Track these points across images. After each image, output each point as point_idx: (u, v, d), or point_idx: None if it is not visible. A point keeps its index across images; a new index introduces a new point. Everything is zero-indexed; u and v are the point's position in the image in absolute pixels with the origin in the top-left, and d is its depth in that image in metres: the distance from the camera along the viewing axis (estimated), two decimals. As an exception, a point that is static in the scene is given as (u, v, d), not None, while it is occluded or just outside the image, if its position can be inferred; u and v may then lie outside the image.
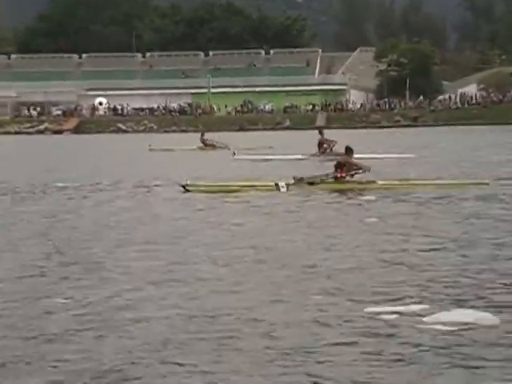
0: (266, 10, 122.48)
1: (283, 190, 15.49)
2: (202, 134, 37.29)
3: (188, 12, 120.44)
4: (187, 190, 15.58)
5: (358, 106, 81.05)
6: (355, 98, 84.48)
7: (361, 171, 15.85)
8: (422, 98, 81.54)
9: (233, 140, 39.71)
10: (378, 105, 77.71)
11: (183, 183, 15.84)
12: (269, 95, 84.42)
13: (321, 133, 27.01)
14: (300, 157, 25.75)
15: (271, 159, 26.30)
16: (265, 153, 29.16)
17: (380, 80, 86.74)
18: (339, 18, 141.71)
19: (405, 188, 15.44)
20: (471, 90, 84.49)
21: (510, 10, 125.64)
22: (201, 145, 35.70)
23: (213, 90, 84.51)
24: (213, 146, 35.44)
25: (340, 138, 27.58)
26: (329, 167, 17.95)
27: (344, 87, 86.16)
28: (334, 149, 25.56)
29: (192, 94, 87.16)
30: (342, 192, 15.29)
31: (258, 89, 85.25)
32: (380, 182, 15.75)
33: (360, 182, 15.76)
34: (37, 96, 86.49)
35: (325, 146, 26.34)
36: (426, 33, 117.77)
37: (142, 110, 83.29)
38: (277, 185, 15.62)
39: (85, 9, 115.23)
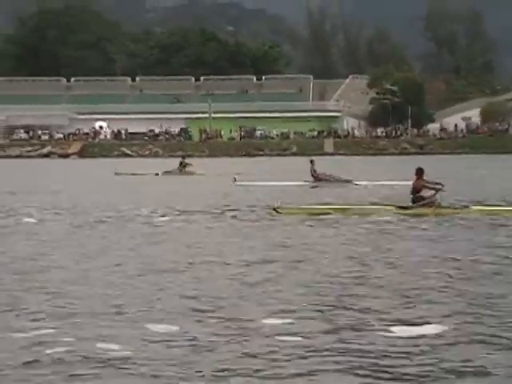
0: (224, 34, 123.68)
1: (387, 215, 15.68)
2: (183, 158, 37.71)
3: (162, 37, 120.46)
4: (278, 213, 15.80)
5: (352, 132, 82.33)
6: (348, 125, 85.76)
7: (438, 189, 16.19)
8: (409, 125, 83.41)
9: (237, 166, 40.89)
10: (386, 132, 78.81)
11: (275, 206, 16.06)
12: (264, 121, 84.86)
13: (312, 163, 27.77)
14: (299, 183, 26.56)
15: (271, 185, 26.75)
16: (265, 179, 29.82)
17: (373, 107, 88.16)
18: (306, 45, 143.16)
19: (500, 213, 15.75)
20: (456, 121, 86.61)
21: (472, 42, 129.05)
22: (170, 170, 35.71)
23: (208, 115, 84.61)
24: (190, 171, 35.56)
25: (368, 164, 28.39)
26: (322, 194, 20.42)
27: (339, 114, 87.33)
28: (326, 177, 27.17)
29: (186, 118, 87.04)
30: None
31: (253, 114, 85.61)
32: (474, 208, 16.14)
33: (455, 208, 16.16)
34: (26, 119, 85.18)
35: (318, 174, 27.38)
36: (390, 62, 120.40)
37: (144, 134, 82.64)
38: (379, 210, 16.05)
39: (55, 32, 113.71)
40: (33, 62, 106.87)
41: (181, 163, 36.39)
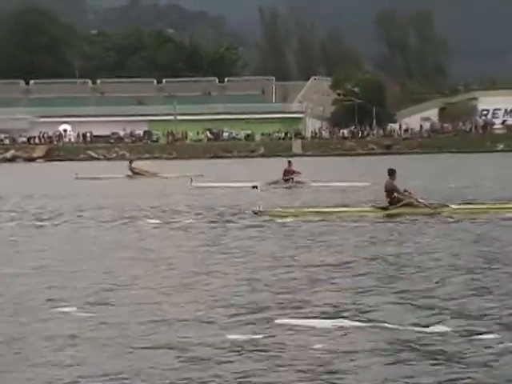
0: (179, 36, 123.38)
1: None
2: (131, 162, 37.71)
3: (117, 39, 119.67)
4: (259, 216, 16.23)
5: (320, 133, 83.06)
6: (312, 126, 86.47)
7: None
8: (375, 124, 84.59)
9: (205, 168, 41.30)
10: (353, 133, 79.66)
11: (255, 210, 16.49)
12: (228, 123, 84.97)
13: (289, 163, 28.26)
14: (255, 184, 26.97)
15: (228, 187, 27.27)
16: (222, 180, 30.29)
17: (335, 108, 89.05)
18: (261, 47, 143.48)
19: (481, 212, 15.98)
20: (415, 121, 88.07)
21: (422, 44, 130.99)
22: (129, 173, 36.01)
23: (172, 118, 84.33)
24: (141, 174, 35.82)
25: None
26: (282, 195, 21.60)
27: (302, 115, 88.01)
28: (295, 179, 27.58)
29: (149, 121, 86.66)
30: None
31: (217, 116, 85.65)
32: (453, 206, 16.43)
33: (434, 207, 16.40)
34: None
35: (290, 175, 27.89)
36: (343, 64, 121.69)
37: (108, 136, 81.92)
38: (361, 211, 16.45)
39: (8, 34, 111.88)
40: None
41: (131, 169, 36.27)
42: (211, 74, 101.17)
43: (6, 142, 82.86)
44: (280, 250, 11.70)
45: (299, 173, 27.79)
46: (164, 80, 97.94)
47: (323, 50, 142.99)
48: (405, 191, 16.46)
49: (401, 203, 16.15)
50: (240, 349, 6.35)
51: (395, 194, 16.25)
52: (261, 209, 16.33)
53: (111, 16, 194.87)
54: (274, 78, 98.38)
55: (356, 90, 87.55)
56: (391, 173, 16.56)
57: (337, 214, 16.24)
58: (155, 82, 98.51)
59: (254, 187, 25.73)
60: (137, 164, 37.82)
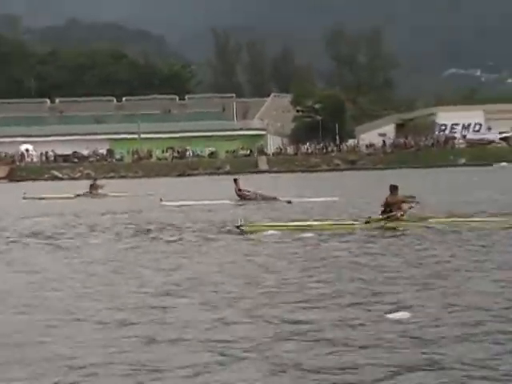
0: (136, 54, 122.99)
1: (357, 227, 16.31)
2: (95, 180, 37.58)
3: (69, 58, 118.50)
4: (242, 230, 16.33)
5: (284, 149, 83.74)
6: (273, 143, 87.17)
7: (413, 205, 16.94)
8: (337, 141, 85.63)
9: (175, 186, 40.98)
10: (317, 149, 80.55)
11: (237, 224, 16.59)
12: (190, 140, 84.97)
13: (236, 182, 28.57)
14: (226, 202, 27.27)
15: (197, 204, 27.23)
16: (191, 198, 30.06)
17: (295, 125, 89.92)
18: (212, 64, 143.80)
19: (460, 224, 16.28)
20: (372, 136, 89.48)
21: (371, 59, 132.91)
22: (79, 192, 35.42)
23: (134, 136, 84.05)
24: (95, 194, 35.40)
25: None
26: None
27: (263, 132, 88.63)
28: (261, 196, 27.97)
29: (109, 139, 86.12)
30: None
31: (179, 134, 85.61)
32: (435, 219, 16.75)
33: (415, 220, 16.41)
34: None
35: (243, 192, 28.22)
36: (297, 81, 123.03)
37: (68, 156, 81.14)
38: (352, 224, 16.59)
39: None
40: None
41: (91, 185, 35.83)
42: (166, 91, 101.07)
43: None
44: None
45: (248, 191, 28.04)
46: (124, 98, 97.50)
47: (274, 67, 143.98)
48: (411, 197, 16.90)
49: (387, 215, 16.23)
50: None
51: (392, 209, 16.29)
52: (242, 223, 16.33)
53: (48, 35, 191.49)
54: (234, 95, 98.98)
55: (317, 106, 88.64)
56: (393, 189, 16.57)
57: (320, 226, 16.32)
58: (115, 100, 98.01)
59: (289, 202, 26.26)
60: (98, 183, 37.16)
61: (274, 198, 27.18)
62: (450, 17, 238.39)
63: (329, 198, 26.58)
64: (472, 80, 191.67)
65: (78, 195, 34.60)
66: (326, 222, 16.92)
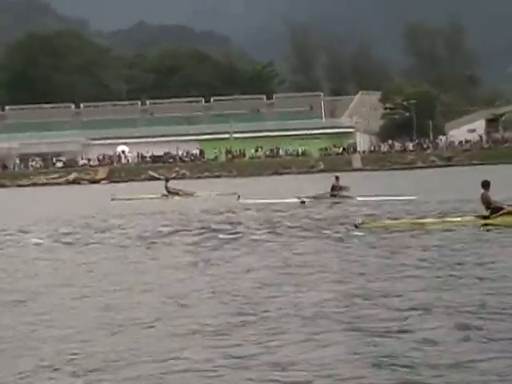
0: (215, 54, 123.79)
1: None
2: (167, 181, 37.42)
3: (154, 60, 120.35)
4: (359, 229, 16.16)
5: (377, 147, 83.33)
6: (362, 141, 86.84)
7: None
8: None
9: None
10: (413, 145, 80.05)
11: (356, 223, 16.51)
12: (279, 139, 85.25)
13: (337, 179, 28.55)
14: (303, 199, 27.13)
15: (276, 202, 27.31)
16: (269, 196, 30.09)
17: (384, 122, 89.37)
18: (290, 62, 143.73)
19: None
20: (463, 132, 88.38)
21: (452, 56, 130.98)
22: (165, 192, 35.54)
23: (225, 136, 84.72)
24: (177, 194, 35.38)
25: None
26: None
27: (352, 130, 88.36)
28: (343, 193, 27.84)
29: (199, 140, 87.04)
30: None
31: (267, 133, 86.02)
32: None
33: None
34: (39, 147, 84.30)
35: (337, 190, 28.14)
36: (374, 77, 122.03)
37: (161, 156, 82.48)
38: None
39: (45, 57, 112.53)
40: (26, 88, 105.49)
41: (167, 188, 35.68)
42: (250, 91, 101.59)
43: (58, 164, 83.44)
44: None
45: (347, 187, 28.10)
46: (212, 98, 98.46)
47: (353, 64, 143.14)
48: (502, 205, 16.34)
49: (501, 212, 15.92)
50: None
51: (492, 205, 16.07)
52: (360, 221, 16.44)
53: (117, 38, 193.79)
54: (321, 94, 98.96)
55: (407, 103, 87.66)
56: (485, 184, 16.27)
57: (434, 224, 16.27)
58: (203, 100, 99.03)
59: (302, 202, 26.33)
60: (171, 183, 37.60)
61: (350, 197, 27.31)
62: None
63: (408, 197, 26.18)
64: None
65: (164, 195, 35.03)
66: (445, 219, 16.86)
